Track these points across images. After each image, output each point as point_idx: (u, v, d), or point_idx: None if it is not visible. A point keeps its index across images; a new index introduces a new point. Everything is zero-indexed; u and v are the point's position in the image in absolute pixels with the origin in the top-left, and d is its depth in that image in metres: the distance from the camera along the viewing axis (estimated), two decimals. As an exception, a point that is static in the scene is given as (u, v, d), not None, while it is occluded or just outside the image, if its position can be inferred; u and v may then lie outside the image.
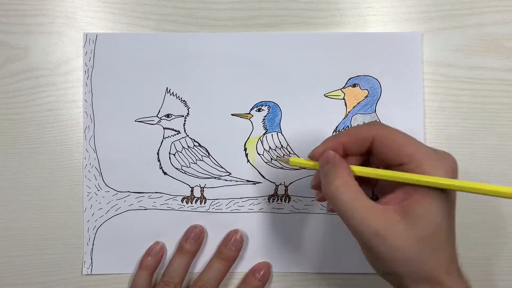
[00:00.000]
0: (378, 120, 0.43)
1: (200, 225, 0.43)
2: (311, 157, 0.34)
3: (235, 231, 0.43)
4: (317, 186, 0.35)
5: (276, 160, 0.43)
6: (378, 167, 0.33)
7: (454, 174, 0.31)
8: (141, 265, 0.42)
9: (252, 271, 0.42)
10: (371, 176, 0.32)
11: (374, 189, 0.36)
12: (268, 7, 0.44)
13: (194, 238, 0.42)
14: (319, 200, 0.37)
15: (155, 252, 0.42)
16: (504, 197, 0.29)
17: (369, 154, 0.34)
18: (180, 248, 0.42)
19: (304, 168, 0.37)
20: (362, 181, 0.33)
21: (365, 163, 0.34)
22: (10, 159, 0.43)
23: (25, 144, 0.43)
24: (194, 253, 0.42)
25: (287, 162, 0.36)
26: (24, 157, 0.43)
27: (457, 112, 0.43)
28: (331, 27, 0.43)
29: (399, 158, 0.31)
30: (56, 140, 0.43)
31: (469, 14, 0.43)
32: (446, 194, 0.30)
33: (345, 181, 0.31)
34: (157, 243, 0.43)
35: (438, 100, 0.43)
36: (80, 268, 0.43)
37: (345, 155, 0.33)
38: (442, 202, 0.30)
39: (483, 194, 0.29)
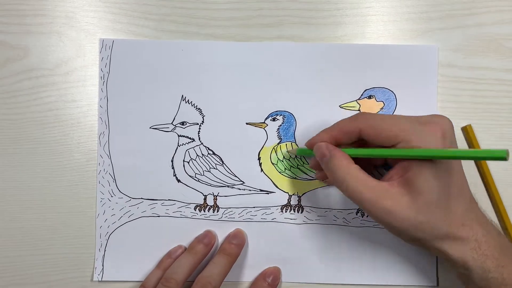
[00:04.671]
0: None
1: (214, 232, 0.43)
2: (307, 145, 0.38)
3: (238, 229, 0.43)
4: (315, 166, 0.39)
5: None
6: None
7: (444, 137, 0.33)
8: (158, 265, 0.42)
9: (262, 275, 0.42)
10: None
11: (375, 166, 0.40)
12: (267, 7, 0.44)
13: (206, 241, 0.42)
14: (318, 178, 0.41)
15: (175, 255, 0.42)
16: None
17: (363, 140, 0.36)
18: (190, 249, 0.42)
19: (308, 156, 0.41)
20: (363, 162, 0.36)
21: (362, 146, 0.37)
22: (10, 159, 0.43)
23: (25, 144, 0.43)
24: (203, 255, 0.41)
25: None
26: (24, 157, 0.43)
27: (457, 112, 0.43)
28: (331, 27, 0.43)
29: (388, 141, 0.34)
30: (56, 140, 0.43)
31: (468, 14, 0.43)
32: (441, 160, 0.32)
33: (347, 170, 0.34)
34: (179, 246, 0.43)
35: (438, 100, 0.43)
36: (83, 269, 0.43)
37: (338, 145, 0.36)
38: (440, 168, 0.32)
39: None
